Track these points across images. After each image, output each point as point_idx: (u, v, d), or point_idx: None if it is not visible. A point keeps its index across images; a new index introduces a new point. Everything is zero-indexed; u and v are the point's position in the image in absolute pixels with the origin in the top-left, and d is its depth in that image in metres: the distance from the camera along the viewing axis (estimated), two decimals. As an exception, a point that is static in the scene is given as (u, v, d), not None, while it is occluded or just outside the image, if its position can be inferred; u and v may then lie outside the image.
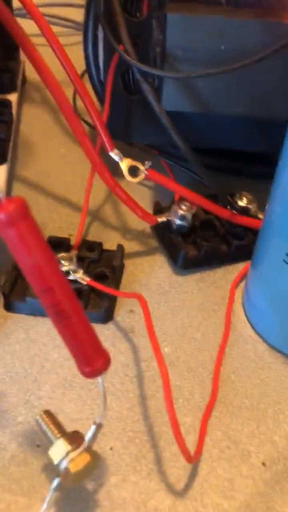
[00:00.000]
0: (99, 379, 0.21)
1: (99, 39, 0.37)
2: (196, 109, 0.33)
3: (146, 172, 0.33)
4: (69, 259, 0.32)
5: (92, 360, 0.19)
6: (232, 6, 0.32)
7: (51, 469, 0.25)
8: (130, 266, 0.35)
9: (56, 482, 0.22)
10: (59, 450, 0.21)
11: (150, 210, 0.37)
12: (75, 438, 0.22)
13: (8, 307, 0.32)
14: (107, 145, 0.33)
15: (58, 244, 0.34)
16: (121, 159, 0.33)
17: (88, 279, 0.31)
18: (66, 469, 0.21)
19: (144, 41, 0.34)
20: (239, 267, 0.36)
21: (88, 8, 0.36)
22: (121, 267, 0.34)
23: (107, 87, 0.35)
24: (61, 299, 0.18)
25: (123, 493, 0.25)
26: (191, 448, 0.25)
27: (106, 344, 0.28)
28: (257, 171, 0.40)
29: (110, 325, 0.32)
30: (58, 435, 0.22)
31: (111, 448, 0.26)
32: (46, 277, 0.18)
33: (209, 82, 0.31)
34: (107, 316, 0.32)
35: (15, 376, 0.29)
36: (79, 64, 0.36)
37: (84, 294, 0.31)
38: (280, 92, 0.30)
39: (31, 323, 0.31)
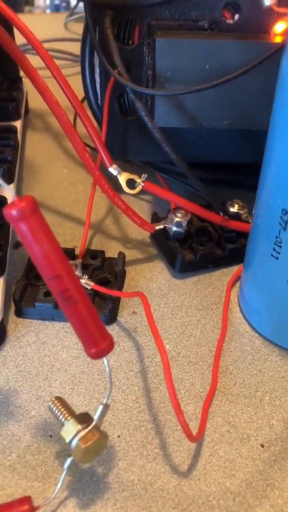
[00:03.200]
0: (105, 360, 0.23)
1: (96, 65, 0.40)
2: (187, 124, 0.35)
3: (143, 184, 0.36)
4: (74, 266, 0.34)
5: (97, 341, 0.22)
6: (215, 31, 0.35)
7: (64, 456, 0.27)
8: (131, 272, 0.38)
9: (69, 461, 0.24)
10: (70, 429, 0.23)
11: (149, 221, 0.39)
12: (84, 419, 0.24)
13: (19, 313, 0.34)
14: (106, 160, 0.35)
15: (64, 254, 0.36)
16: (119, 173, 0.36)
17: (92, 283, 0.34)
18: (77, 445, 0.23)
19: (137, 66, 0.37)
20: (234, 269, 0.38)
21: (84, 37, 0.39)
22: (123, 272, 0.36)
23: (104, 109, 0.38)
24: (69, 286, 0.21)
25: (132, 476, 0.26)
26: (194, 433, 0.27)
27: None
28: (248, 181, 0.43)
29: (114, 326, 0.34)
30: (69, 417, 0.24)
31: (118, 436, 0.28)
32: (54, 265, 0.20)
33: (197, 99, 0.34)
34: (111, 317, 0.34)
35: (27, 375, 0.31)
36: (79, 92, 0.39)
37: (89, 298, 0.34)
38: (261, 105, 0.32)
39: (40, 327, 0.34)
